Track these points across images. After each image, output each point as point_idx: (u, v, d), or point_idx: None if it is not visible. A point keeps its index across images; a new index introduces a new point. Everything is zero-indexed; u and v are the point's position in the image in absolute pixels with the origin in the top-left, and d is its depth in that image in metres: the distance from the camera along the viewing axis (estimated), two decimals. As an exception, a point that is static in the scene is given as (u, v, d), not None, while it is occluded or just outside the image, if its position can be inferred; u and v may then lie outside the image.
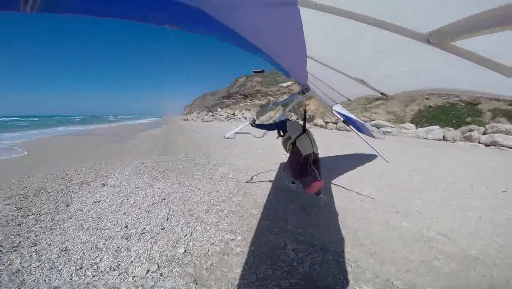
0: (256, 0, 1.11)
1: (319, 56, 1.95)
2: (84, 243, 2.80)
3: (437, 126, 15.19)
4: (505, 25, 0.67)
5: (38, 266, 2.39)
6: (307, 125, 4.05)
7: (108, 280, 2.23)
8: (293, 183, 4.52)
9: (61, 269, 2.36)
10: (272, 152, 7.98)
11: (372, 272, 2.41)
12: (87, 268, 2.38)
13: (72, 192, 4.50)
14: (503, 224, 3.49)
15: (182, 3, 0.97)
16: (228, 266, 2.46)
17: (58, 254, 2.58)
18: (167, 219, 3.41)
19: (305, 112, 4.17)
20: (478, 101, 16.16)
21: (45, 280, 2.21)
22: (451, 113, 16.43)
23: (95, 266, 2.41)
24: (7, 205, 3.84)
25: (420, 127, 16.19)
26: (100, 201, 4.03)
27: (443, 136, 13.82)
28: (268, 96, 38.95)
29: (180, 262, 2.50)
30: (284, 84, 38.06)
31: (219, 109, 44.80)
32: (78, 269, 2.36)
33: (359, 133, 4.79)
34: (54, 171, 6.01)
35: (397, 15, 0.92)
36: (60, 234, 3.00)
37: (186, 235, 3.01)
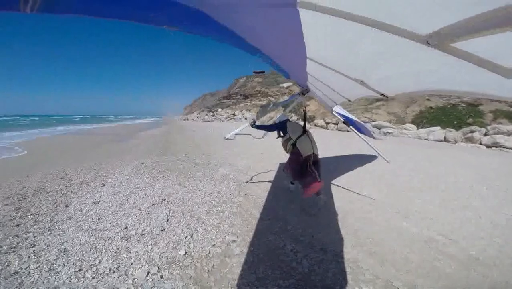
0: (256, 1, 1.10)
1: (319, 58, 1.95)
2: (83, 244, 2.77)
3: (438, 128, 15.16)
4: (505, 27, 0.66)
5: (37, 268, 2.36)
6: (307, 126, 4.05)
7: (108, 282, 2.20)
8: (292, 183, 4.51)
9: (60, 270, 2.33)
10: (272, 152, 7.95)
11: (372, 273, 2.40)
12: (86, 270, 2.34)
13: (72, 192, 4.46)
14: (503, 224, 3.49)
15: (181, 4, 0.96)
16: (230, 269, 2.43)
17: (57, 255, 2.54)
18: (168, 220, 3.37)
19: (305, 113, 4.18)
20: (479, 102, 16.14)
21: (43, 282, 2.18)
22: (452, 115, 16.41)
23: (95, 268, 2.37)
24: (6, 205, 3.81)
25: (421, 128, 16.16)
26: (99, 202, 3.99)
27: (444, 138, 13.78)
28: (269, 97, 38.94)
29: (180, 264, 2.47)
30: (285, 85, 38.06)
31: (219, 110, 44.80)
32: (77, 271, 2.32)
33: (359, 134, 4.78)
34: (54, 170, 5.98)
35: (396, 16, 0.92)
36: (59, 235, 2.96)
37: (186, 236, 2.97)
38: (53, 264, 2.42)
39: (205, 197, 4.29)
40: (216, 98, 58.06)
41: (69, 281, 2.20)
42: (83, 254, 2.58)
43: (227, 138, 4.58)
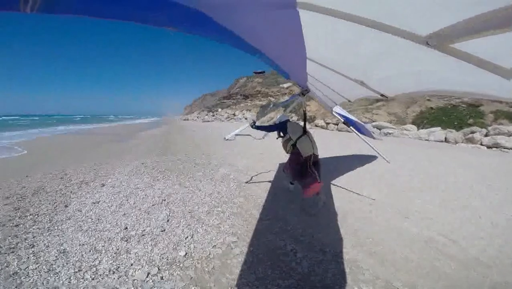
0: (255, 2, 1.10)
1: (319, 58, 1.95)
2: (83, 244, 2.75)
3: (439, 128, 15.13)
4: (505, 27, 0.66)
5: (36, 268, 2.34)
6: (307, 127, 4.05)
7: (108, 283, 2.18)
8: (291, 183, 4.51)
9: (59, 271, 2.31)
10: (272, 152, 7.93)
11: (372, 273, 2.40)
12: (86, 271, 2.33)
13: (71, 192, 4.44)
14: (503, 224, 3.49)
15: (180, 4, 0.96)
16: (230, 270, 2.41)
17: (56, 256, 2.53)
18: (168, 221, 3.35)
19: (305, 113, 4.18)
20: (480, 103, 16.10)
21: (43, 283, 2.17)
22: (453, 115, 16.38)
23: (94, 269, 2.36)
24: (5, 205, 3.79)
25: (422, 128, 16.13)
26: (99, 202, 3.97)
27: (445, 138, 13.75)
28: (269, 97, 38.92)
29: (181, 265, 2.45)
30: (285, 85, 38.03)
31: (219, 110, 44.78)
32: (76, 272, 2.31)
33: (359, 134, 4.78)
34: (54, 170, 5.97)
35: (396, 17, 0.91)
36: (58, 235, 2.95)
37: (187, 237, 2.95)
38: (52, 264, 2.40)
39: (206, 197, 4.27)
40: (216, 99, 58.06)
41: (69, 282, 2.18)
42: (82, 255, 2.56)
43: (227, 139, 4.57)
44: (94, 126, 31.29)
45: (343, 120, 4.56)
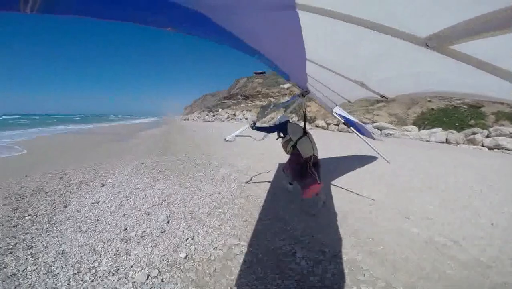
0: (254, 3, 1.09)
1: (318, 59, 1.96)
2: (82, 246, 2.71)
3: (440, 129, 15.12)
4: (505, 28, 0.65)
5: (34, 270, 2.30)
6: (308, 127, 4.04)
7: (107, 285, 2.14)
8: (291, 184, 4.50)
9: (58, 273, 2.27)
10: (272, 152, 7.91)
11: (372, 273, 2.38)
12: (85, 273, 2.29)
13: (70, 192, 4.41)
14: (504, 225, 3.49)
15: (180, 5, 0.96)
16: (231, 271, 2.37)
17: (54, 258, 2.49)
18: (168, 222, 3.31)
19: (305, 114, 4.18)
20: (481, 104, 16.07)
21: (41, 285, 2.13)
22: (454, 116, 16.35)
23: (93, 271, 2.32)
24: (4, 205, 3.75)
25: (423, 129, 16.10)
26: (98, 202, 3.93)
27: (446, 139, 13.73)
28: (269, 98, 38.93)
29: (181, 267, 2.41)
30: (285, 86, 38.03)
31: (220, 110, 44.78)
32: (75, 274, 2.27)
33: (359, 134, 4.76)
34: (53, 170, 5.93)
35: (395, 19, 0.92)
36: (57, 236, 2.91)
37: (187, 238, 2.91)
38: (51, 266, 2.36)
39: (206, 198, 4.24)
40: (217, 99, 58.06)
41: (68, 284, 2.15)
42: (81, 256, 2.52)
43: (227, 140, 4.56)
44: (94, 125, 31.29)
45: (343, 121, 4.57)
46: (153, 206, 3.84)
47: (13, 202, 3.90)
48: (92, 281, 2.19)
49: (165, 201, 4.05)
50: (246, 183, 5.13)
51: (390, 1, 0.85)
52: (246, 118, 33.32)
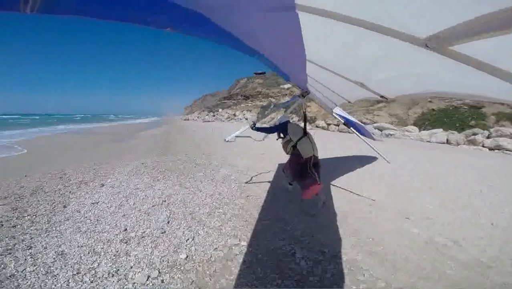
0: (253, 3, 1.09)
1: (318, 60, 1.96)
2: (81, 246, 2.69)
3: (441, 130, 15.09)
4: (505, 29, 0.65)
5: (33, 271, 2.29)
6: (308, 128, 4.04)
7: (107, 286, 2.13)
8: (290, 184, 4.49)
9: (57, 274, 2.26)
10: (272, 152, 7.90)
11: (372, 273, 2.38)
12: (85, 273, 2.27)
13: (70, 192, 4.39)
14: (504, 225, 3.49)
15: (179, 6, 0.96)
16: (231, 272, 2.36)
17: (54, 258, 2.47)
18: (168, 222, 3.30)
19: (305, 115, 4.17)
20: (482, 104, 16.05)
21: (40, 286, 2.11)
22: (455, 117, 16.34)
23: (93, 271, 2.30)
24: (3, 205, 3.74)
25: (423, 130, 16.08)
26: (98, 202, 3.92)
27: (447, 140, 13.71)
28: (269, 98, 38.92)
29: (182, 268, 2.40)
30: (285, 86, 38.02)
31: (220, 110, 44.77)
32: (75, 274, 2.25)
33: (359, 135, 4.76)
34: (53, 170, 5.92)
35: (395, 19, 0.92)
36: (56, 236, 2.89)
37: (188, 239, 2.90)
38: (50, 267, 2.35)
39: (207, 198, 4.22)
40: (217, 99, 58.05)
41: (67, 285, 2.13)
42: (81, 257, 2.50)
43: (228, 141, 4.55)
44: (94, 125, 31.29)
45: (343, 122, 4.57)
46: (153, 206, 3.83)
47: (12, 202, 3.88)
48: (91, 282, 2.17)
49: (165, 201, 4.04)
50: (246, 183, 5.13)
51: (389, 2, 0.84)
52: (246, 119, 33.32)
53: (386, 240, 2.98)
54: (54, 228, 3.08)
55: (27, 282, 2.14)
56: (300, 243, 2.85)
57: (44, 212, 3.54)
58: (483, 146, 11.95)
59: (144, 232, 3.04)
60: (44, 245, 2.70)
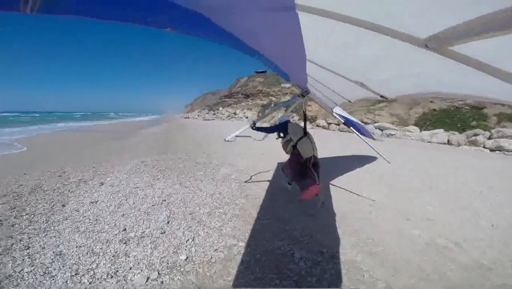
0: (253, 4, 1.09)
1: (318, 60, 1.96)
2: (80, 246, 2.67)
3: (442, 130, 15.03)
4: (506, 29, 0.65)
5: (31, 271, 2.26)
6: (308, 127, 4.01)
7: (106, 287, 2.11)
8: (289, 184, 4.47)
9: (55, 274, 2.24)
10: (272, 152, 7.86)
11: (372, 274, 2.37)
12: (83, 274, 2.25)
13: (69, 191, 4.36)
14: (504, 226, 3.48)
15: (179, 6, 0.96)
16: (229, 273, 2.34)
17: (52, 258, 2.45)
18: (168, 222, 3.27)
19: (305, 114, 4.15)
20: (483, 105, 15.98)
21: (38, 286, 2.09)
22: (456, 117, 16.27)
23: (92, 272, 2.28)
24: (1, 204, 3.71)
25: (424, 130, 16.03)
26: (97, 201, 3.89)
27: (448, 140, 13.66)
28: (270, 97, 38.83)
29: (181, 269, 2.37)
30: (286, 85, 37.92)
31: (220, 108, 44.70)
32: (73, 275, 2.23)
33: (359, 134, 4.74)
34: (52, 168, 5.89)
35: (395, 19, 0.92)
36: (54, 236, 2.86)
37: (188, 240, 2.87)
38: (48, 267, 2.32)
39: (207, 198, 4.20)
40: (217, 97, 57.94)
41: (65, 285, 2.11)
42: (79, 257, 2.48)
43: (228, 141, 4.53)
44: (94, 123, 31.28)
45: (343, 121, 4.55)
46: (153, 205, 3.80)
47: (10, 200, 3.86)
48: (90, 283, 2.15)
49: (165, 200, 4.01)
50: (246, 182, 5.11)
51: (389, 2, 0.84)
52: (247, 117, 33.27)
53: (386, 240, 2.97)
54: (52, 228, 3.06)
55: (25, 283, 2.12)
56: (299, 243, 2.84)
57: (42, 211, 3.51)
58: (484, 147, 11.90)
59: (143, 232, 3.01)
60: (42, 245, 2.67)
